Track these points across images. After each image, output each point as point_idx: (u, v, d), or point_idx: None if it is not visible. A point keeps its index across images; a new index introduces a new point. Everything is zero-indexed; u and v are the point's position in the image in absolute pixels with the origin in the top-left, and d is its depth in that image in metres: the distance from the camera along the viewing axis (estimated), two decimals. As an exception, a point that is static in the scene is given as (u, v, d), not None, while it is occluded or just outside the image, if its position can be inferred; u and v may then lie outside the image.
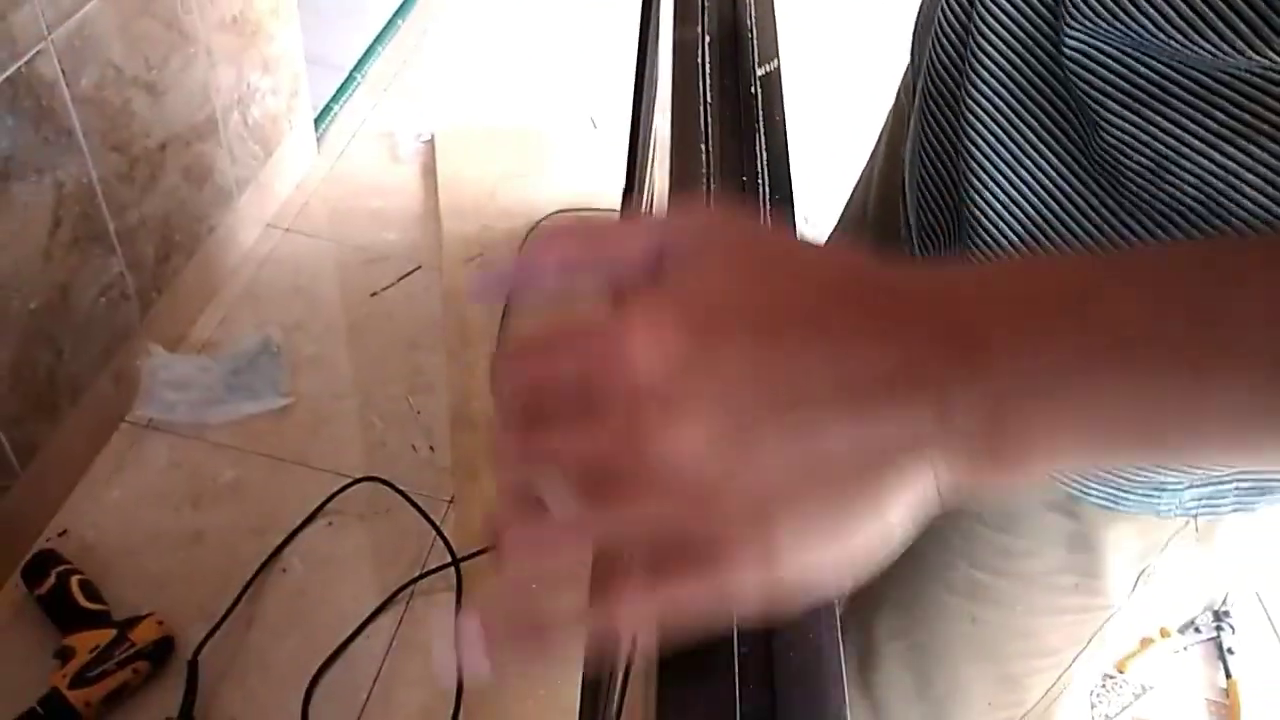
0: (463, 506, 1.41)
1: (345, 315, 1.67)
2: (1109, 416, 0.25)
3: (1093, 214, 0.41)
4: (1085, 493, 0.51)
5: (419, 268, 1.77)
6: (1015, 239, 0.45)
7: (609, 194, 1.89)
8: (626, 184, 1.72)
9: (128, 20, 1.28)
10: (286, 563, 1.31)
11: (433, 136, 2.02)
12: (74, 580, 1.16)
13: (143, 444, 1.42)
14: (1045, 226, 0.43)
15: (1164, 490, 0.49)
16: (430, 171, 1.96)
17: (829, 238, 0.81)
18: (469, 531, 1.38)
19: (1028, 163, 0.43)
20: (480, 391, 1.57)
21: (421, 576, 1.31)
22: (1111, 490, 0.50)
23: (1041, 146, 0.42)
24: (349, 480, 1.40)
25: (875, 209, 0.66)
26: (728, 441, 0.24)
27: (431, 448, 1.49)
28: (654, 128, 1.33)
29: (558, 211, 1.88)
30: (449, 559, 1.33)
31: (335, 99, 2.05)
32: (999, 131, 0.44)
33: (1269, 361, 0.23)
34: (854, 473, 0.25)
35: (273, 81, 1.69)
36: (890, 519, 0.26)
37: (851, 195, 0.75)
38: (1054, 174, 0.42)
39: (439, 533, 1.36)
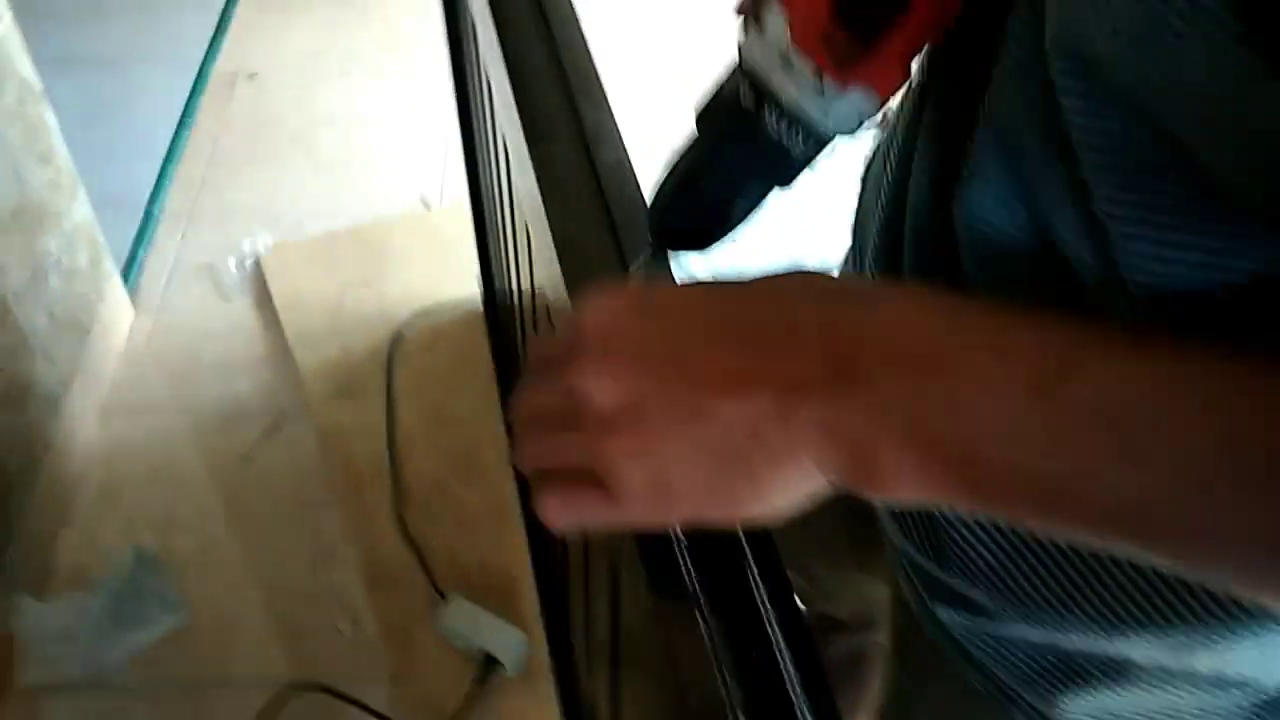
0: (406, 682, 1.38)
1: (218, 492, 1.59)
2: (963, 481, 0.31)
3: None
4: None
5: (284, 415, 1.70)
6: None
7: (463, 277, 1.85)
8: (481, 261, 1.68)
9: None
10: (237, 805, 1.26)
11: (257, 260, 1.93)
12: None
13: (39, 714, 1.32)
14: None
15: None
16: (265, 301, 1.87)
17: None
18: (420, 708, 1.35)
19: None
20: (388, 538, 1.52)
21: (387, 777, 1.28)
22: None
23: None
24: (275, 692, 1.34)
25: None
26: (632, 408, 0.34)
27: (355, 620, 1.45)
28: (496, 196, 1.30)
29: (419, 311, 1.83)
30: (410, 747, 1.30)
31: (138, 243, 1.92)
32: None
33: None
34: (733, 453, 0.33)
35: (70, 260, 1.57)
36: (776, 502, 0.34)
37: None
38: None
39: (391, 722, 1.33)
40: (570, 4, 0.63)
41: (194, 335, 1.81)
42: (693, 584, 0.41)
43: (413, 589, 1.46)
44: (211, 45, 2.37)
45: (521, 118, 0.55)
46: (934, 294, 0.34)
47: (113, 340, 1.73)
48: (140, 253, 1.91)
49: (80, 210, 1.61)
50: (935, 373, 0.31)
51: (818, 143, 0.38)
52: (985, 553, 0.47)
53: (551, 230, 0.49)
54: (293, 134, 2.21)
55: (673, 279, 0.47)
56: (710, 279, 0.38)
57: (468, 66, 1.29)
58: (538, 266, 0.59)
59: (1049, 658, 0.49)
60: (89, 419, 1.63)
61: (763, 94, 0.37)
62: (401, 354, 1.78)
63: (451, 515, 1.56)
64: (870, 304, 0.34)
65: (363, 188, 2.11)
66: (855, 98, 0.36)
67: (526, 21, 0.61)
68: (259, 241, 1.95)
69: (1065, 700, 0.49)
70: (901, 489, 0.32)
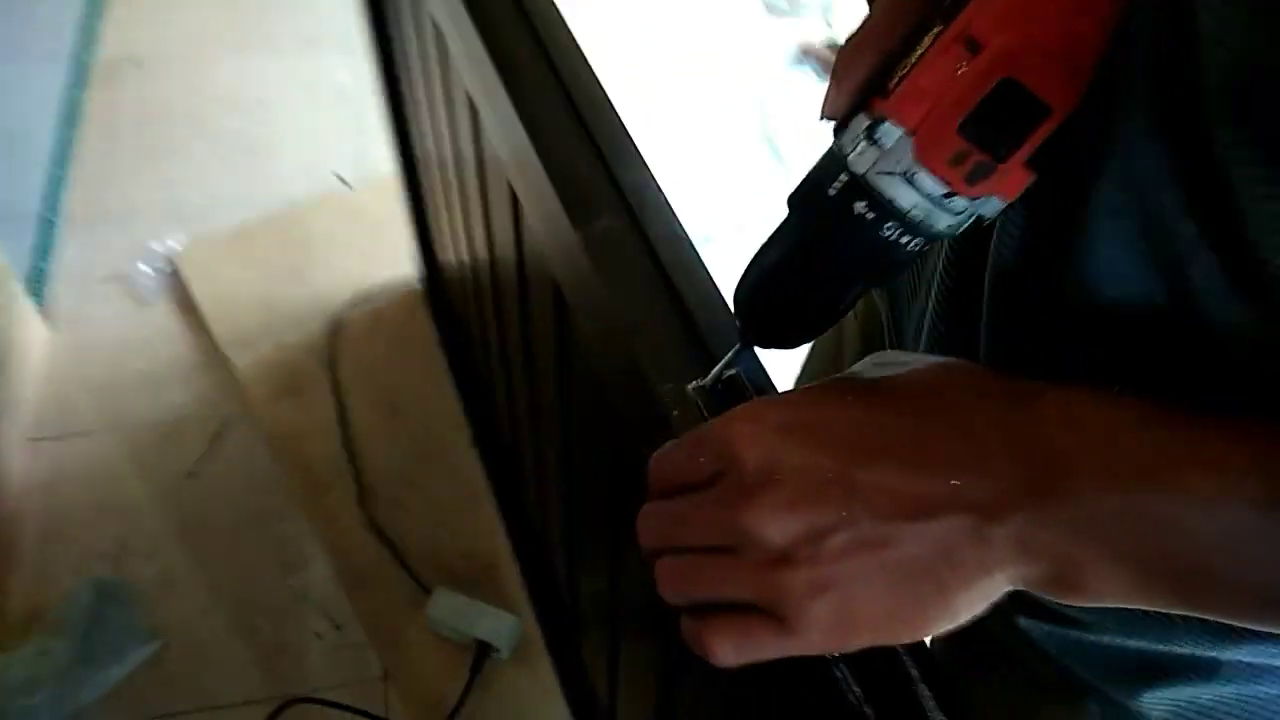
0: (400, 680, 1.37)
1: (170, 513, 1.54)
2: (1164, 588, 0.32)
3: None
4: None
5: (226, 422, 1.65)
6: None
7: (395, 257, 1.81)
8: (419, 237, 1.64)
9: None
10: (245, 831, 1.25)
11: (171, 261, 1.85)
12: None
13: (16, 768, 1.29)
14: None
15: None
16: (186, 304, 1.80)
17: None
18: (419, 703, 1.35)
19: None
20: (359, 538, 1.50)
21: (396, 781, 1.28)
22: None
23: None
24: (268, 711, 1.32)
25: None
26: (809, 542, 0.33)
27: (337, 626, 1.43)
28: (431, 162, 1.27)
29: (354, 298, 1.78)
30: (415, 747, 1.30)
31: (40, 256, 1.83)
32: None
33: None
34: (923, 576, 0.32)
35: (-27, 287, 1.50)
36: (962, 616, 0.33)
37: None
38: None
39: (391, 724, 1.32)
40: (579, 50, 0.61)
41: (116, 348, 1.74)
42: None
43: (393, 586, 1.45)
44: (86, 33, 2.24)
45: (560, 196, 0.53)
46: (1104, 397, 0.33)
47: (31, 364, 1.65)
48: (44, 266, 1.82)
49: (-24, 231, 1.53)
50: (1148, 490, 0.31)
51: (931, 243, 0.37)
52: None
53: (623, 321, 0.48)
54: (190, 121, 2.12)
55: (766, 375, 0.46)
56: (848, 381, 0.36)
57: (389, 25, 1.24)
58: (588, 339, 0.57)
59: (1138, 660, 0.49)
60: (19, 452, 1.56)
61: (878, 205, 0.35)
62: (342, 345, 1.74)
63: (421, 506, 1.54)
64: (1045, 409, 0.33)
65: (273, 172, 2.04)
66: (982, 203, 0.35)
67: (539, 78, 0.59)
68: (171, 241, 1.87)
69: (1147, 695, 0.50)
70: (1107, 597, 0.32)
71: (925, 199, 0.34)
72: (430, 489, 1.56)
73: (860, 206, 0.35)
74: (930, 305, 0.47)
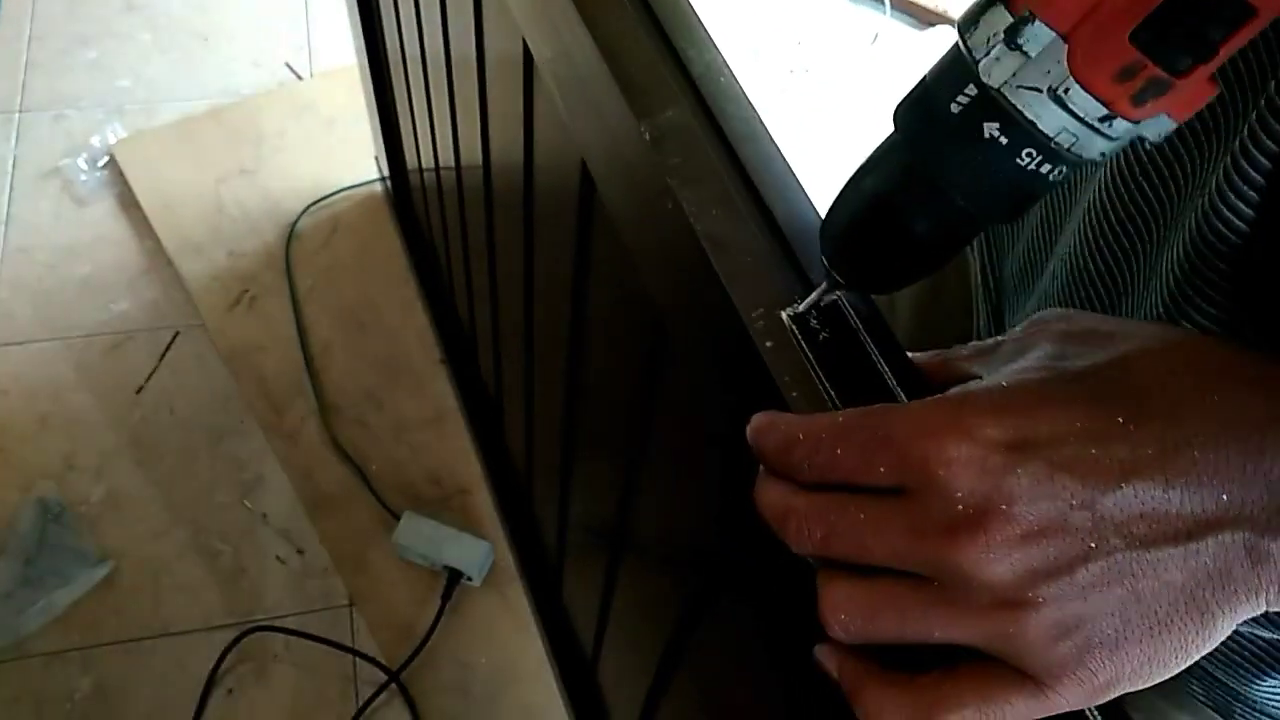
0: (366, 606, 1.35)
1: (118, 429, 1.49)
2: None
3: None
4: None
5: (177, 334, 1.59)
6: None
7: (352, 155, 1.74)
8: (385, 135, 1.56)
9: None
10: (207, 761, 1.24)
11: (110, 155, 1.76)
12: None
13: (-40, 696, 1.26)
14: None
15: None
16: (129, 203, 1.72)
17: None
18: (387, 631, 1.33)
19: None
20: (321, 458, 1.47)
21: (364, 709, 1.27)
22: None
23: None
24: (228, 638, 1.30)
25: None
26: (1050, 579, 0.28)
27: (300, 550, 1.40)
28: (400, 51, 1.20)
29: (315, 203, 1.71)
30: (383, 676, 1.28)
31: (-36, 149, 1.73)
32: None
33: None
34: (1186, 605, 0.29)
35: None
36: (1212, 644, 0.29)
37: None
38: None
39: (357, 654, 1.31)
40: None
41: (54, 251, 1.66)
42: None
43: (358, 510, 1.42)
44: (5, -102, 2.09)
45: (616, 77, 0.46)
46: None
47: (-41, 268, 1.58)
48: (-31, 160, 1.72)
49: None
50: None
51: (1073, 171, 0.30)
52: None
53: (700, 236, 0.42)
54: (125, 2, 2.00)
55: (870, 302, 0.40)
56: (1061, 373, 0.31)
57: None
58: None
59: (1271, 649, 0.46)
60: (-50, 362, 1.50)
61: (1015, 128, 0.29)
62: (299, 252, 1.67)
63: (386, 425, 1.50)
64: None
65: (218, 59, 1.94)
66: (1146, 125, 0.29)
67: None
68: (108, 133, 1.78)
69: (1267, 684, 0.47)
70: None
71: (1076, 121, 0.28)
72: (397, 407, 1.52)
73: (992, 129, 0.30)
74: (1070, 248, 0.43)
